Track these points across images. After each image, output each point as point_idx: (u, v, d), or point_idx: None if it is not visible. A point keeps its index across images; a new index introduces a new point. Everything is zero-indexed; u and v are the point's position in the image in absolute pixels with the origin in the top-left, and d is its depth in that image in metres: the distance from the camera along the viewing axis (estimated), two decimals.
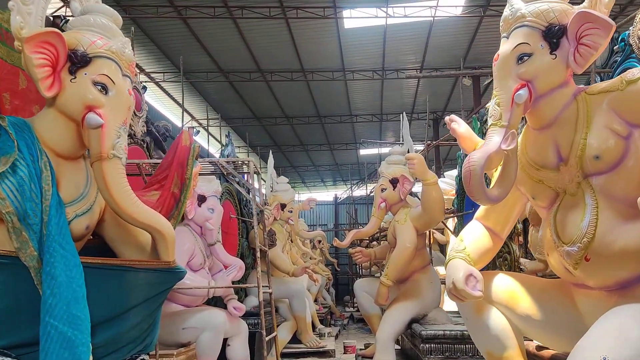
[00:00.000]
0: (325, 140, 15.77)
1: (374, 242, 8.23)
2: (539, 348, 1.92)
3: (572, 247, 1.46)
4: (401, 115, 3.85)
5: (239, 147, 13.06)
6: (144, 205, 1.62)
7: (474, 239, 1.81)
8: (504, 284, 1.74)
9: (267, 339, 2.49)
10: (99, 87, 1.54)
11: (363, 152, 16.46)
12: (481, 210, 1.89)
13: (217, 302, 3.58)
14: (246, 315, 3.34)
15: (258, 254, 2.49)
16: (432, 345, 2.90)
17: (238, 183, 3.21)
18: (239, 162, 2.76)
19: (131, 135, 3.15)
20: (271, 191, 5.25)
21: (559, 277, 1.74)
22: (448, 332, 2.89)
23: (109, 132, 1.54)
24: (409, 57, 10.13)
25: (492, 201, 1.54)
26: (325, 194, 22.23)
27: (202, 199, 3.31)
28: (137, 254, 1.75)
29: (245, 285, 2.62)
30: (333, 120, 13.57)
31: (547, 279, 1.82)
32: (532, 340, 1.93)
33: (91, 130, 1.52)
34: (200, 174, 3.21)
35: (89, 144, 1.55)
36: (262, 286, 2.64)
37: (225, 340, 3.08)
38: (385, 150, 13.45)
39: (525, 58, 1.52)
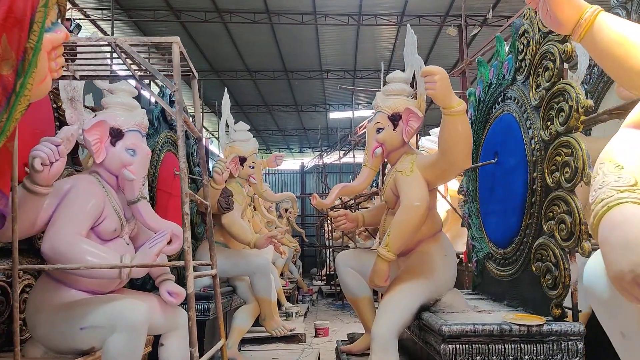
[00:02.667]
0: (292, 100, 14.54)
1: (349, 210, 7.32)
2: None
3: None
4: (406, 27, 2.79)
5: (191, 105, 11.55)
6: None
7: None
8: None
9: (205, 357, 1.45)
10: None
11: (333, 115, 15.39)
12: None
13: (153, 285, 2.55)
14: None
15: (185, 210, 1.41)
16: (457, 345, 1.98)
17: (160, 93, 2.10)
18: (155, 45, 1.63)
19: None
20: (227, 141, 4.19)
21: None
22: (480, 326, 1.97)
23: None
24: (389, 1, 8.98)
25: None
26: (292, 162, 21.33)
27: (117, 135, 2.28)
28: None
29: (172, 264, 1.57)
30: (301, 76, 12.29)
31: None
32: None
33: None
34: (91, 79, 2.07)
35: None
36: (200, 264, 1.58)
37: (158, 338, 2.23)
38: (359, 113, 12.46)
39: None
